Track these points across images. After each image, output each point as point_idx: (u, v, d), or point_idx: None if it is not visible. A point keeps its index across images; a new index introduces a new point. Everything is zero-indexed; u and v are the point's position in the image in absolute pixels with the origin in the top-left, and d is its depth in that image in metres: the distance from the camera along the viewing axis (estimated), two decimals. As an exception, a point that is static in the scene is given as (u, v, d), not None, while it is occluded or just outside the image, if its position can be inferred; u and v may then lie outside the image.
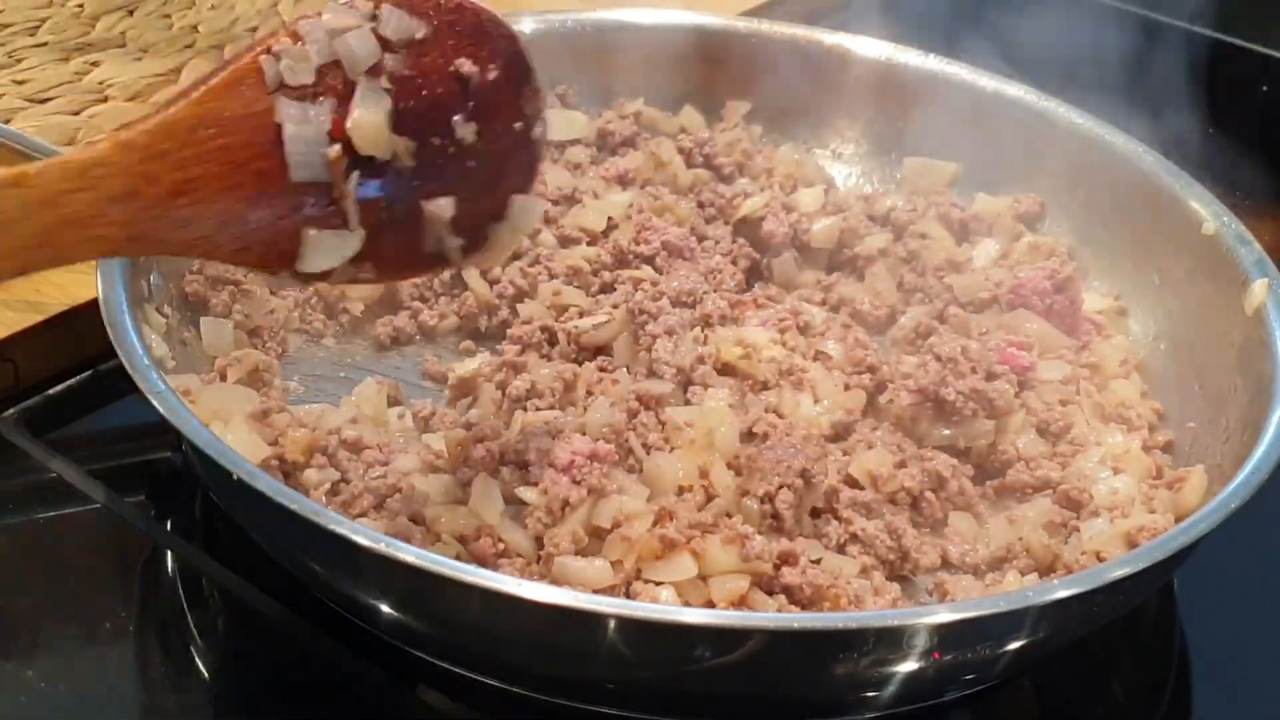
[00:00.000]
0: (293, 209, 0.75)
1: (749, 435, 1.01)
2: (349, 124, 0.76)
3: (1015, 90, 1.31)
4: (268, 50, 0.77)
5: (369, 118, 0.76)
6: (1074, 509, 1.02)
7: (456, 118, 0.80)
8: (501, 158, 0.83)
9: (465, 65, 0.80)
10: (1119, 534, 0.97)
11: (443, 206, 0.80)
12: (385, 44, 0.79)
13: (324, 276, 0.78)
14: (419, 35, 0.79)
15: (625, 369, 1.07)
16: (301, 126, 0.75)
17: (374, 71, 0.78)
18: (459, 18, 0.80)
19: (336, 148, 0.76)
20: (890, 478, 1.01)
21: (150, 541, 1.03)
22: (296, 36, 0.77)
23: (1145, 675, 1.01)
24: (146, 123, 0.74)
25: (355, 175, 0.76)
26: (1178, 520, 0.97)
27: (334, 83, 0.77)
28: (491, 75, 0.81)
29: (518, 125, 0.83)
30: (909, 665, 0.83)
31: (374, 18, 0.79)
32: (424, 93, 0.79)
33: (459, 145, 0.80)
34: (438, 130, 0.80)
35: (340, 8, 0.79)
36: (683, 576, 0.90)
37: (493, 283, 1.17)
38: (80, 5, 1.59)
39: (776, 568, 0.92)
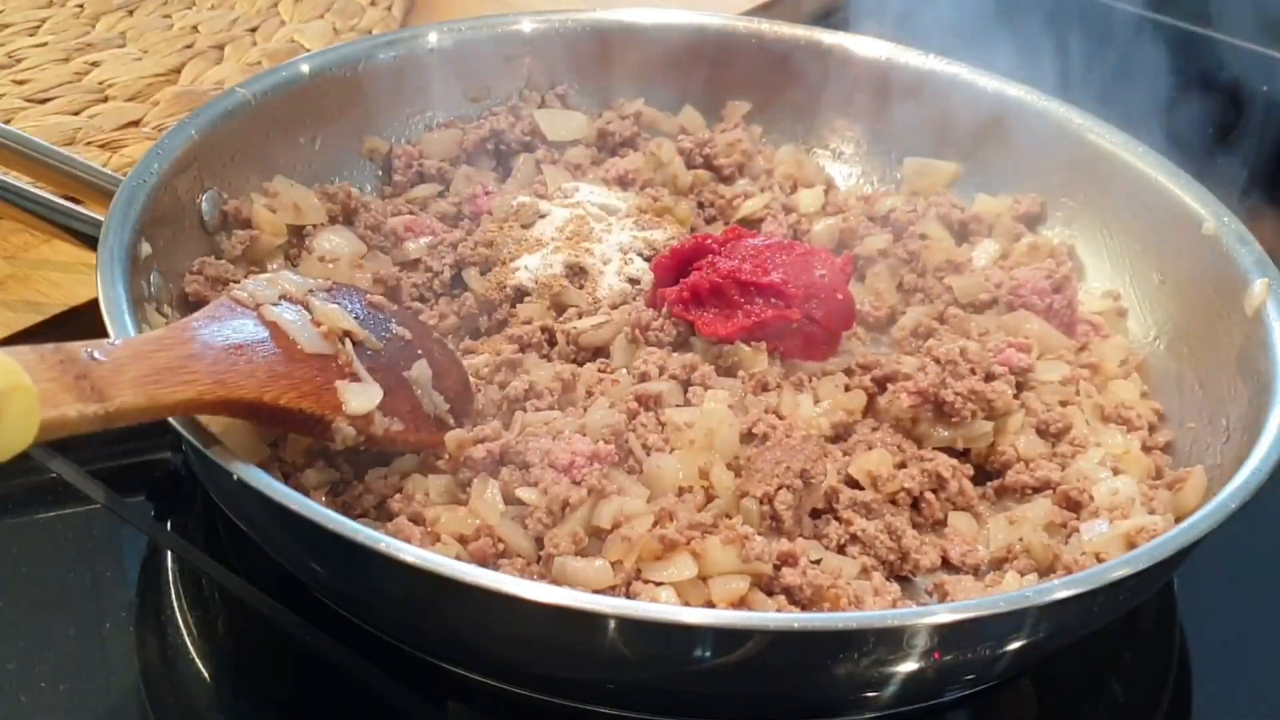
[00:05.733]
0: (321, 369, 0.92)
1: (749, 436, 1.01)
2: (316, 315, 0.95)
3: (1015, 90, 1.31)
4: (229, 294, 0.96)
5: (328, 307, 0.96)
6: (1074, 509, 1.02)
7: (392, 325, 1.02)
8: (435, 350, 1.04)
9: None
10: (1119, 534, 0.97)
11: (419, 369, 0.99)
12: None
13: (370, 428, 0.93)
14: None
15: (625, 369, 1.07)
16: (291, 314, 0.94)
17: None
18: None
19: (324, 325, 0.95)
20: (890, 478, 1.01)
21: (150, 541, 1.03)
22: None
23: (1145, 675, 1.01)
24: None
25: (348, 343, 0.95)
26: (1178, 520, 0.97)
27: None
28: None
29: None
30: (909, 665, 0.83)
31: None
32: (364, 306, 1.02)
33: (404, 339, 1.01)
34: (384, 329, 1.01)
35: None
36: (683, 577, 0.90)
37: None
38: (80, 5, 1.59)
39: (776, 568, 0.92)
